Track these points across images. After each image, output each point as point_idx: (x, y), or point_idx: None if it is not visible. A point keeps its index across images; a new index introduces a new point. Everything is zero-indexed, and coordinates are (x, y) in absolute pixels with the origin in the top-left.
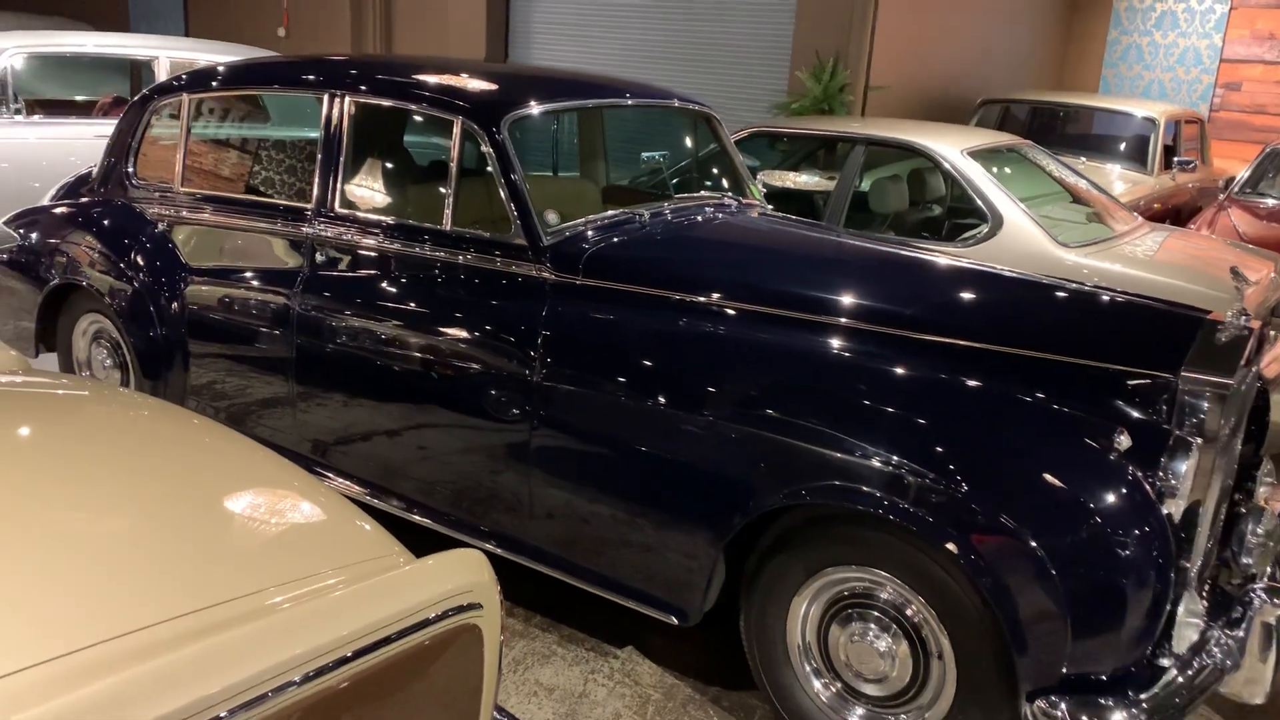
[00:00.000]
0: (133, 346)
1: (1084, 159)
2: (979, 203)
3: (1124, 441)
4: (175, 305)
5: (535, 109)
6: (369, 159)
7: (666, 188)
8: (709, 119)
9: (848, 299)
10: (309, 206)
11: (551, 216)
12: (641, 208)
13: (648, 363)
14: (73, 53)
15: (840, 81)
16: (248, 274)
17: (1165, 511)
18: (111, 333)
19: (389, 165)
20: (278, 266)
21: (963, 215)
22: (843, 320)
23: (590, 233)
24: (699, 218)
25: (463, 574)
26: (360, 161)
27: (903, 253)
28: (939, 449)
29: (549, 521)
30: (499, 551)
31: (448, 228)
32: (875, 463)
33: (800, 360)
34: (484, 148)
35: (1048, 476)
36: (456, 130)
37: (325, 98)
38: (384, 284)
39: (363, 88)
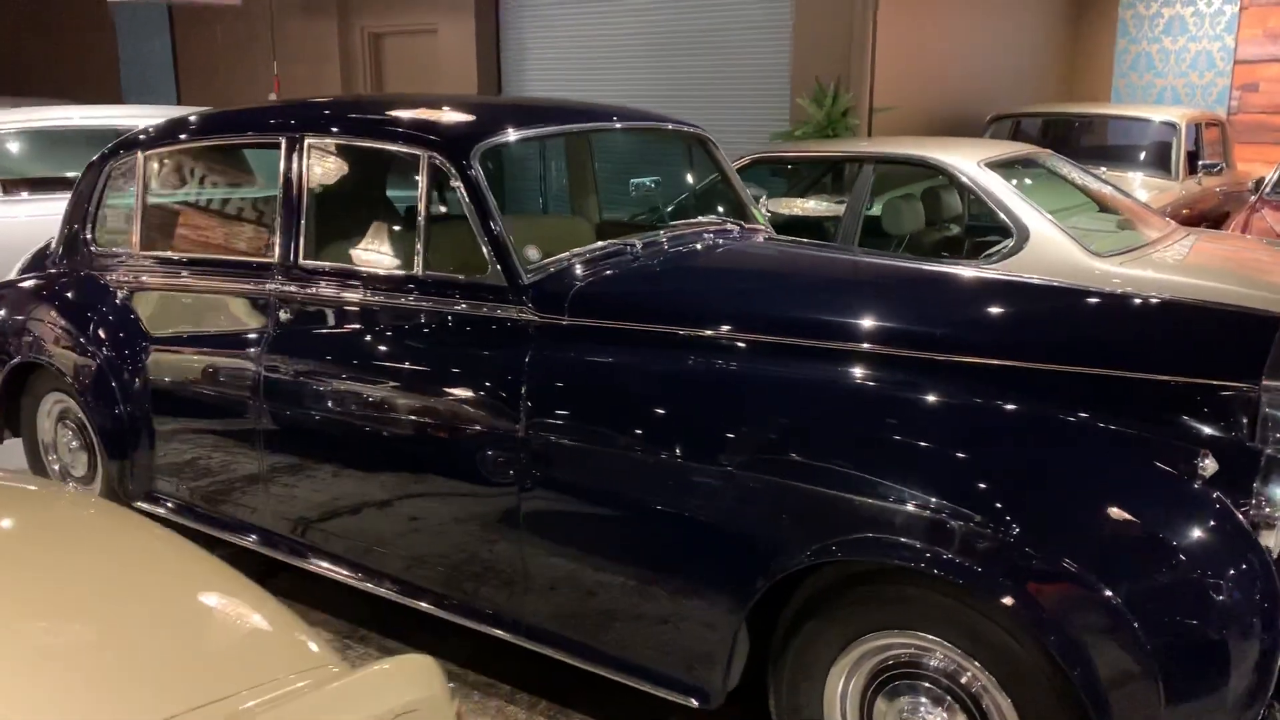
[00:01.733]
0: (96, 426)
1: (1104, 169)
2: (1001, 216)
3: (1209, 465)
4: (138, 379)
5: (509, 137)
6: (332, 206)
7: (661, 216)
8: (704, 141)
9: (870, 321)
10: (271, 260)
11: (532, 253)
12: (634, 238)
13: (648, 408)
14: (53, 127)
15: (844, 105)
16: (211, 339)
17: (1264, 544)
18: (76, 412)
19: (355, 211)
20: (241, 329)
21: (984, 231)
22: (865, 346)
23: (577, 268)
24: (698, 245)
25: (408, 687)
26: (323, 209)
27: (926, 267)
28: (985, 486)
29: (548, 595)
30: (496, 632)
31: (420, 272)
32: (912, 507)
33: (821, 395)
34: (454, 182)
35: (1118, 510)
36: (424, 166)
37: (283, 142)
38: (353, 339)
39: (321, 128)
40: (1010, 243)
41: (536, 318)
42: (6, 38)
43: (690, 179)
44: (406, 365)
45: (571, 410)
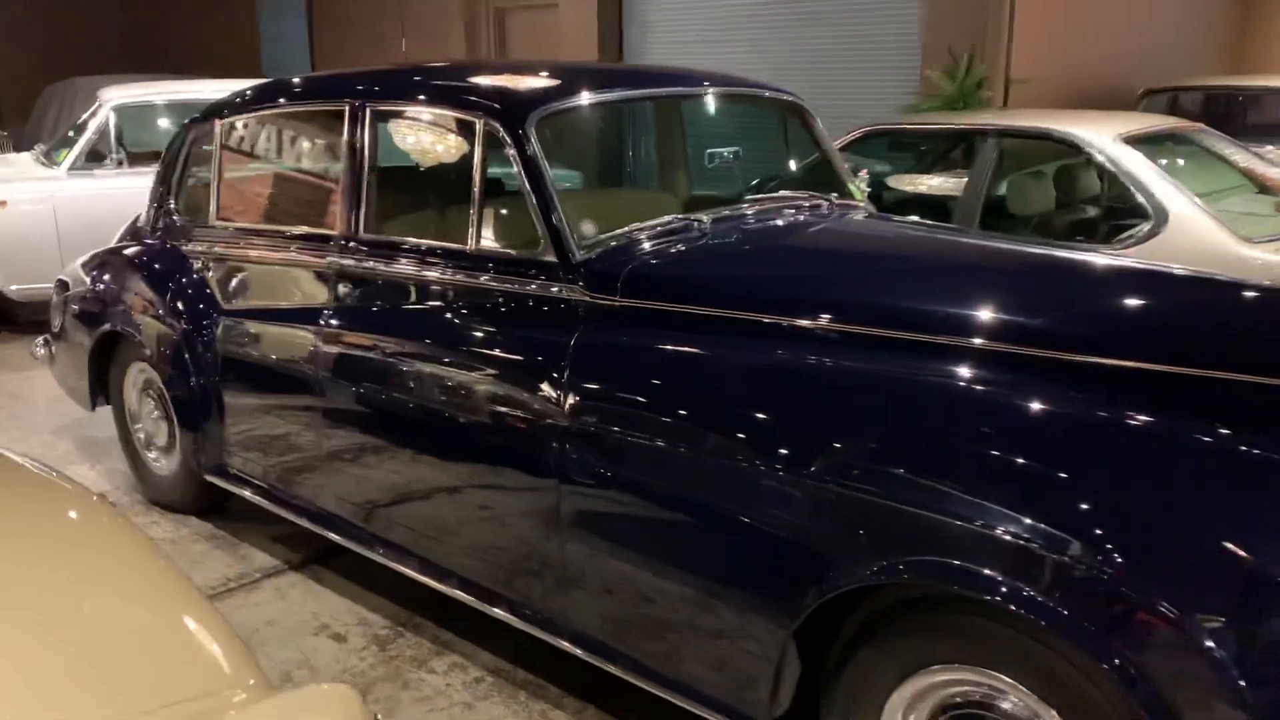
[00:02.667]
0: (171, 398)
1: (1271, 148)
2: (1138, 197)
3: None
4: (210, 351)
5: (571, 103)
6: (394, 177)
7: (739, 190)
8: (799, 110)
9: (973, 312)
10: (333, 233)
11: (588, 227)
12: (703, 214)
13: (701, 403)
14: (171, 100)
15: (977, 77)
16: (276, 314)
17: None
18: (157, 382)
19: (416, 182)
20: (304, 304)
21: (1121, 214)
22: (966, 341)
23: (635, 245)
24: (779, 222)
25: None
26: (385, 181)
27: (1042, 251)
28: (1087, 513)
29: (593, 599)
30: (540, 634)
31: (472, 248)
32: (998, 530)
33: (907, 396)
34: (508, 150)
35: (1243, 553)
36: (479, 132)
37: (345, 110)
38: (404, 317)
39: (381, 94)
40: (1146, 226)
41: (586, 298)
42: (154, 19)
43: (783, 151)
44: (455, 347)
45: (616, 401)
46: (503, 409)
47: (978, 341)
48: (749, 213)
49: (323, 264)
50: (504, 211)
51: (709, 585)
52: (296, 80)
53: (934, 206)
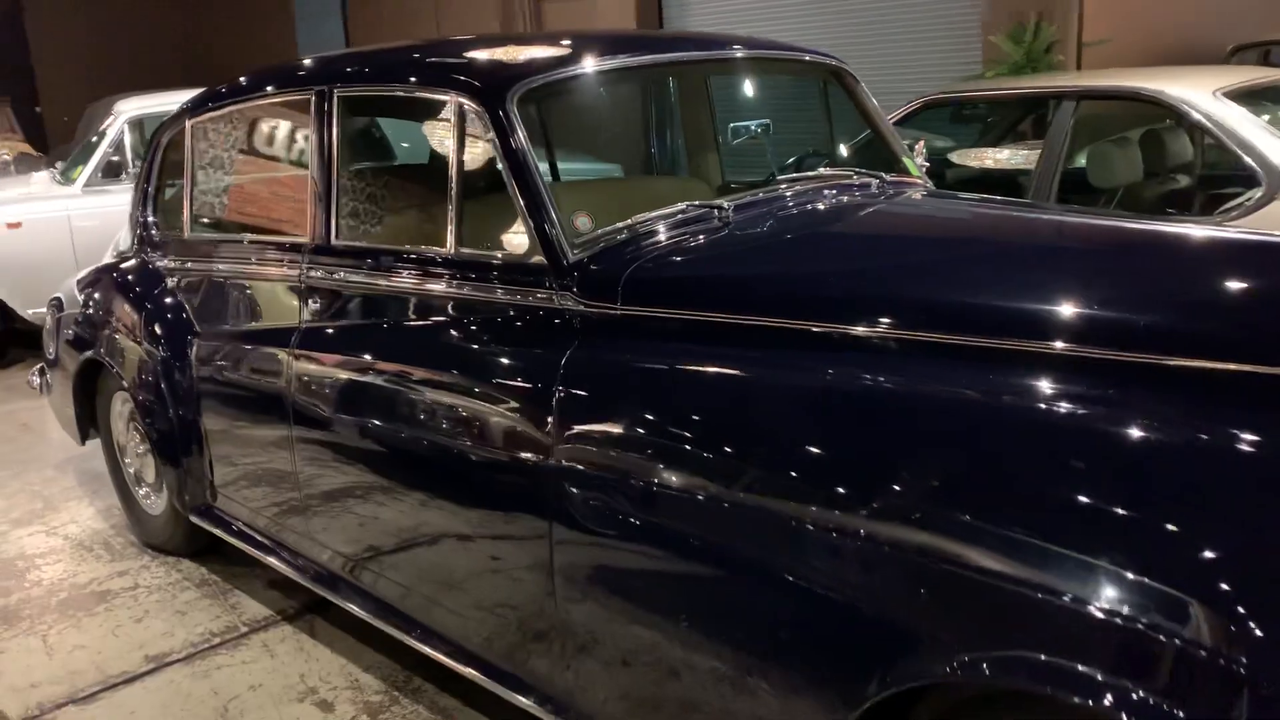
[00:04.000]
0: (149, 431)
1: None
2: (1246, 159)
3: None
4: (186, 379)
5: (563, 75)
6: (367, 173)
7: (772, 170)
8: (843, 75)
9: (1060, 308)
10: (303, 240)
11: (582, 221)
12: (725, 199)
13: (724, 434)
14: None
15: (1046, 40)
16: (249, 335)
17: None
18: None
19: (393, 176)
20: (274, 323)
21: (1221, 181)
22: (1054, 346)
23: (642, 241)
24: (819, 205)
25: None
26: (358, 176)
27: (1150, 227)
28: (1219, 584)
29: (599, 670)
30: (542, 716)
31: (450, 252)
32: (1105, 612)
33: (977, 420)
34: (486, 132)
35: None
36: (453, 113)
37: (311, 99)
38: (377, 337)
39: (348, 77)
40: (1257, 193)
41: (581, 306)
42: (197, 33)
43: (826, 124)
44: (434, 371)
45: (617, 432)
46: (486, 443)
47: (1075, 347)
48: (783, 195)
49: (292, 276)
50: (490, 208)
51: (746, 660)
52: (266, 68)
53: (1003, 183)
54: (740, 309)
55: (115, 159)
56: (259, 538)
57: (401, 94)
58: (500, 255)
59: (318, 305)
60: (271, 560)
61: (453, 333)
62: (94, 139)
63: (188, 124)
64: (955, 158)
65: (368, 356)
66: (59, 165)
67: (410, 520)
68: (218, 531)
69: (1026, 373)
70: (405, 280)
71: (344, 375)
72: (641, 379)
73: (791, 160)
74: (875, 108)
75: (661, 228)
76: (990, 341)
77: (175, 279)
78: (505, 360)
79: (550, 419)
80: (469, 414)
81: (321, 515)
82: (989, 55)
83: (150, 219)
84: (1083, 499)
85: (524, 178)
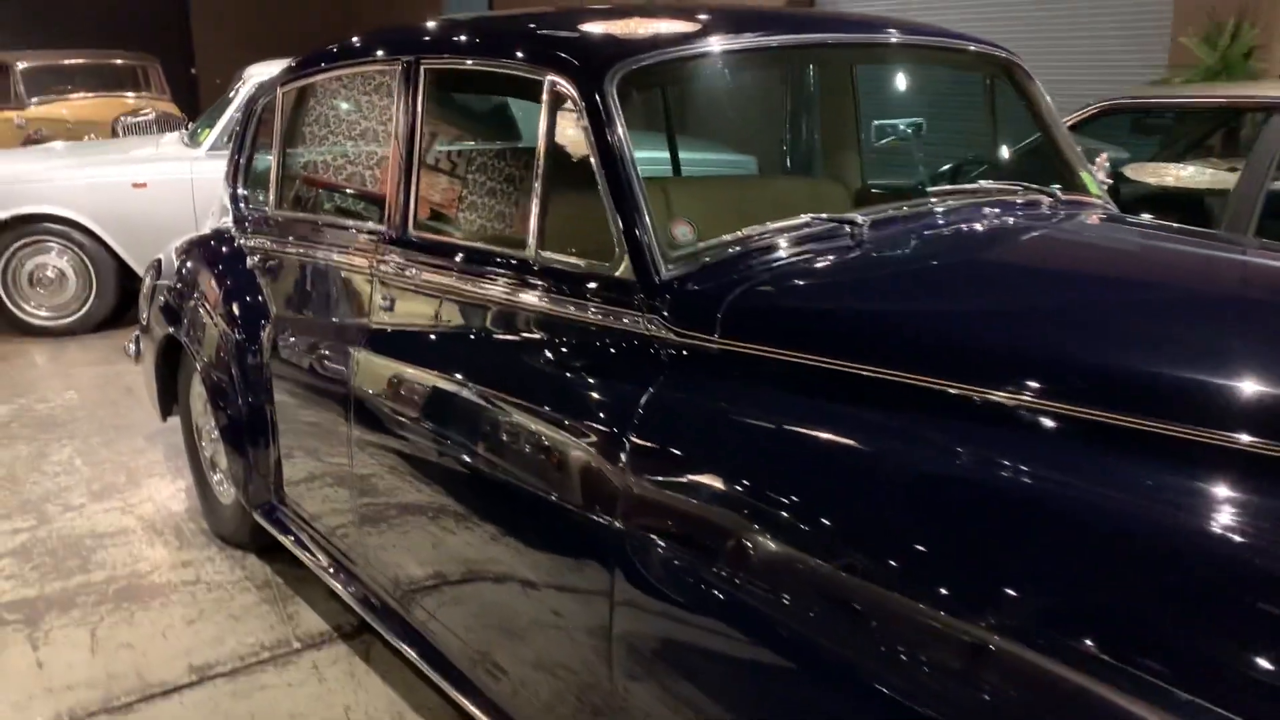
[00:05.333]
0: (216, 417)
1: None
2: None
3: None
4: (257, 367)
5: (676, 55)
6: (451, 156)
7: (923, 178)
8: (1014, 71)
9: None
10: (380, 228)
11: (682, 230)
12: (859, 213)
13: (825, 513)
14: None
15: (1246, 44)
16: (319, 328)
17: None
18: None
19: (477, 164)
20: (344, 318)
21: None
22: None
23: (752, 260)
24: (977, 226)
25: None
26: (440, 161)
27: None
28: None
29: None
30: None
31: (533, 255)
32: None
33: (1177, 546)
34: (580, 118)
35: None
36: (545, 95)
37: (398, 71)
38: (444, 346)
39: (439, 48)
40: None
41: (671, 335)
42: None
43: (990, 127)
44: (502, 391)
45: (695, 493)
46: (553, 479)
47: None
48: (932, 212)
49: (364, 268)
50: (580, 208)
51: None
52: (363, 34)
53: (1185, 204)
54: (864, 356)
55: None
56: (316, 548)
57: (493, 70)
58: (584, 264)
59: (388, 303)
60: (326, 576)
61: (526, 349)
62: (222, 102)
63: (279, 92)
64: (1130, 172)
65: (432, 368)
66: (188, 128)
67: (465, 553)
68: (279, 535)
69: (1248, 480)
70: (480, 284)
71: (405, 385)
72: (734, 434)
73: (945, 168)
74: (1051, 110)
75: (779, 243)
76: (1196, 432)
77: (256, 258)
78: (580, 389)
79: (622, 464)
80: (534, 443)
81: (376, 536)
82: (1176, 59)
83: (240, 192)
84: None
85: (616, 174)
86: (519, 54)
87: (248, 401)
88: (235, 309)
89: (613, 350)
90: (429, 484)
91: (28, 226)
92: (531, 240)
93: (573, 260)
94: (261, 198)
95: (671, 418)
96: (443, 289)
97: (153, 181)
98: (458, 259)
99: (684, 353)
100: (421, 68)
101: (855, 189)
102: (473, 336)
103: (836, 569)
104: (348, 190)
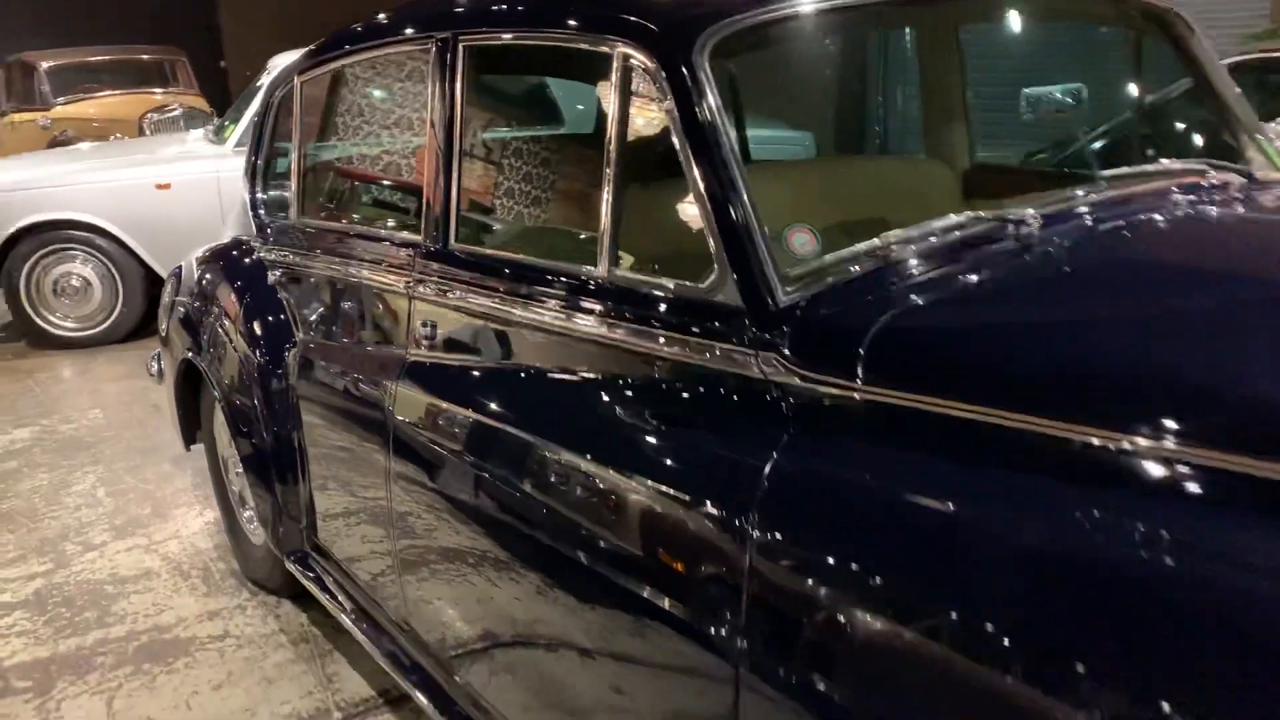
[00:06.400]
0: (240, 452)
1: None
2: None
3: None
4: (287, 395)
5: (770, 15)
6: (498, 151)
7: (1085, 160)
8: (1170, 25)
9: None
10: (415, 239)
11: (800, 239)
12: (1021, 207)
13: (1036, 628)
14: None
15: None
16: (349, 354)
17: None
18: None
19: (530, 159)
20: (377, 344)
21: None
22: None
23: (892, 274)
24: (1158, 219)
25: None
26: (484, 157)
27: None
28: None
29: None
30: None
31: (601, 271)
32: None
33: None
34: (662, 97)
35: None
36: (615, 69)
37: (432, 51)
38: (495, 384)
39: (479, 19)
40: None
41: (796, 379)
42: None
43: (1141, 93)
44: (570, 440)
45: (850, 582)
46: (640, 560)
47: None
48: (1109, 201)
49: (399, 287)
50: (662, 211)
51: None
52: (391, 12)
53: None
54: (1081, 413)
55: None
56: (350, 598)
57: (546, 43)
58: (671, 285)
59: (428, 329)
60: (361, 635)
61: (599, 391)
62: (246, 95)
63: (296, 82)
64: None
65: (482, 411)
66: (214, 123)
67: (521, 631)
68: (311, 587)
69: None
70: (538, 307)
71: (452, 429)
72: (896, 515)
73: (1101, 144)
74: (1220, 70)
75: (926, 251)
76: None
77: (278, 272)
78: (674, 448)
79: (745, 542)
80: (614, 510)
81: (416, 586)
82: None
83: (259, 196)
84: None
85: (712, 167)
86: (579, 21)
87: (273, 434)
88: (257, 331)
89: (718, 394)
90: (482, 546)
91: (50, 234)
92: (602, 253)
93: (656, 279)
94: (283, 203)
95: (809, 485)
96: (492, 313)
97: (176, 182)
98: (509, 277)
99: (814, 403)
100: (459, 46)
101: (962, 167)
102: (531, 373)
103: (1041, 689)
104: (378, 195)
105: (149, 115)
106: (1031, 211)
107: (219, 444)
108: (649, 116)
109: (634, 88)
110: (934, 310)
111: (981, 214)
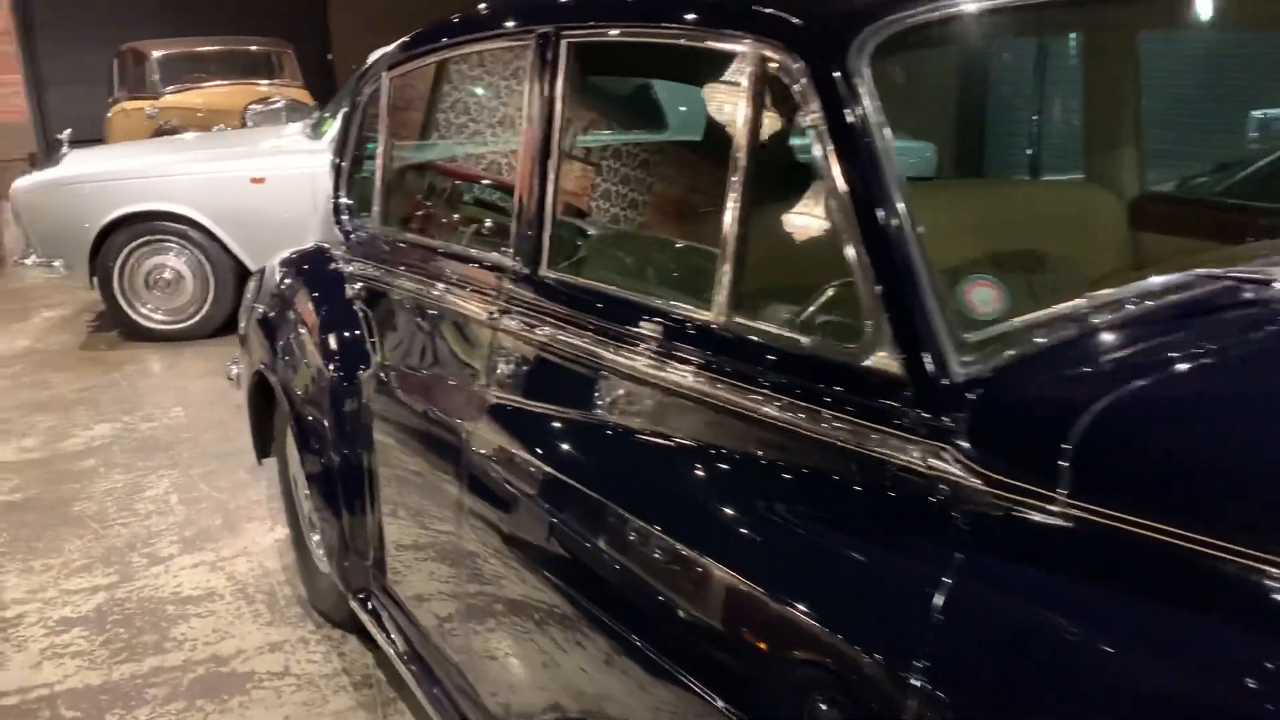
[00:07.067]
0: (307, 474)
1: None
2: None
3: None
4: (354, 418)
5: (938, 12)
6: (605, 163)
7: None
8: None
9: None
10: (504, 262)
11: (981, 294)
12: (1251, 256)
13: None
14: None
15: None
16: (429, 383)
17: None
18: None
19: (643, 174)
20: (461, 379)
21: None
22: None
23: (1098, 347)
24: None
25: None
26: (588, 170)
27: None
28: None
29: None
30: None
31: (718, 315)
32: None
33: None
34: (808, 107)
35: None
36: (749, 76)
37: (531, 48)
38: (583, 441)
39: (586, 13)
40: None
41: (976, 481)
42: None
43: None
44: (657, 519)
45: None
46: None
47: None
48: None
49: (483, 316)
50: (797, 241)
51: None
52: (489, 4)
53: None
54: None
55: None
56: (411, 652)
57: (662, 40)
58: (807, 341)
59: (510, 365)
60: (420, 691)
61: (706, 464)
62: (347, 89)
63: (385, 79)
64: None
65: (570, 472)
66: (313, 117)
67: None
68: (373, 628)
69: None
70: (639, 354)
71: (531, 482)
72: (1111, 685)
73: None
74: None
75: (1143, 316)
76: None
77: (358, 286)
78: (804, 548)
79: (903, 696)
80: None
81: (480, 649)
82: None
83: (343, 201)
84: None
85: (871, 195)
86: (706, 15)
87: (343, 458)
88: (332, 346)
89: (860, 491)
90: (556, 609)
91: (144, 225)
92: (719, 294)
93: (787, 331)
94: (367, 210)
95: (992, 644)
96: (585, 355)
97: (271, 176)
98: (605, 312)
99: (1001, 515)
100: (562, 42)
101: (1131, 194)
102: (625, 430)
103: None
104: (464, 208)
105: (252, 107)
106: (1261, 267)
107: (290, 461)
108: (785, 129)
109: (773, 96)
110: (1164, 398)
111: (1210, 271)
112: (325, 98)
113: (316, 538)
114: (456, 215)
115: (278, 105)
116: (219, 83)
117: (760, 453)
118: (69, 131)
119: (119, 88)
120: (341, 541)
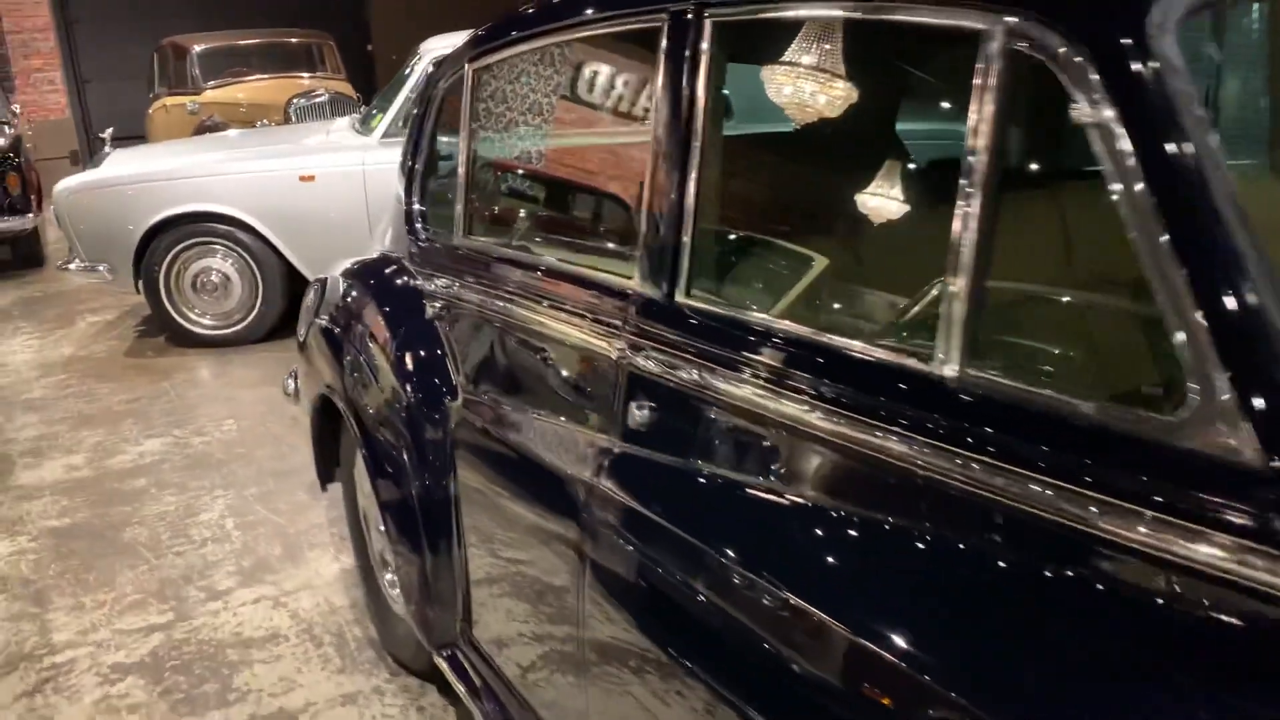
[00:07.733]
0: (381, 503)
1: None
2: None
3: None
4: (436, 453)
5: None
6: (764, 167)
7: None
8: None
9: None
10: (628, 285)
11: None
12: None
13: None
14: None
15: None
16: (536, 424)
17: None
18: None
19: (828, 186)
20: (577, 423)
21: None
22: None
23: None
24: None
25: None
26: (739, 175)
27: None
28: None
29: None
30: None
31: (947, 368)
32: None
33: None
34: (1089, 106)
35: None
36: (996, 59)
37: (664, 29)
38: (755, 517)
39: None
40: None
41: None
42: None
43: None
44: (850, 624)
45: None
46: None
47: None
48: None
49: (604, 349)
50: (1070, 271)
51: None
52: None
53: None
54: None
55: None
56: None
57: (858, 16)
58: (1090, 409)
59: (644, 414)
60: None
61: (925, 563)
62: (395, 82)
63: (468, 70)
64: None
65: (729, 551)
66: (361, 111)
67: None
68: (460, 687)
69: None
70: (826, 410)
71: (680, 564)
72: None
73: None
74: None
75: None
76: None
77: (438, 305)
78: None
79: None
80: None
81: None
82: None
83: (416, 208)
84: None
85: (1194, 213)
86: None
87: (421, 497)
88: (409, 367)
89: (1189, 625)
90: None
91: (189, 227)
92: (949, 340)
93: (1056, 394)
94: (447, 218)
95: None
96: (747, 406)
97: (321, 174)
98: (777, 355)
99: None
100: (705, 21)
101: None
102: (805, 506)
103: None
104: (574, 219)
105: (294, 100)
106: None
107: (359, 492)
108: (1062, 130)
109: (1030, 84)
110: None
111: None
112: (366, 89)
113: (390, 576)
114: (562, 228)
115: (321, 98)
116: (260, 76)
117: (1004, 550)
118: (110, 130)
119: (159, 83)
120: (423, 585)
